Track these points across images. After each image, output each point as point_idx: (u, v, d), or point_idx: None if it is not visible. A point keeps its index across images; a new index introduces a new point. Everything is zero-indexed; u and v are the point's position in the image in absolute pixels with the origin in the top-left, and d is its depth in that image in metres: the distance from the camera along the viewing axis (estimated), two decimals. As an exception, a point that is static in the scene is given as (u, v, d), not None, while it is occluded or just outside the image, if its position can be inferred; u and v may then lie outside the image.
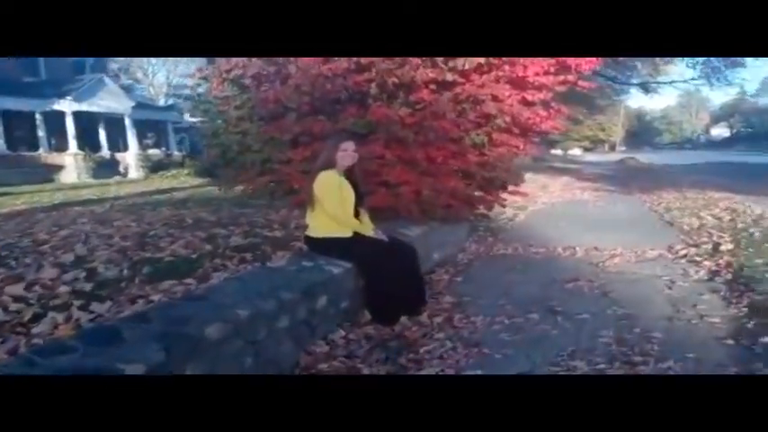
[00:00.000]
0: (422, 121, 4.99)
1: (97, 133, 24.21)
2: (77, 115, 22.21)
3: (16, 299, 2.98)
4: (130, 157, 24.34)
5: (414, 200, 5.20)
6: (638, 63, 27.44)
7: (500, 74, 5.20)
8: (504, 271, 5.40)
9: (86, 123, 23.19)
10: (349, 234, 3.99)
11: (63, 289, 3.15)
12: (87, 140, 23.10)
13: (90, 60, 28.01)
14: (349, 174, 4.09)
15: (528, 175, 18.18)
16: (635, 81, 31.65)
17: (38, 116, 21.56)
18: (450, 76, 4.91)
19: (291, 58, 5.28)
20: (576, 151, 50.59)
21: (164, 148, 28.45)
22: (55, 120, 21.95)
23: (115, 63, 35.25)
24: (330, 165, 3.96)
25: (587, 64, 5.34)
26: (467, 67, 4.90)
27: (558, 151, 44.44)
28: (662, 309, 4.08)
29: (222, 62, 5.66)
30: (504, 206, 6.40)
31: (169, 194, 11.29)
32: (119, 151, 24.87)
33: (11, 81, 21.26)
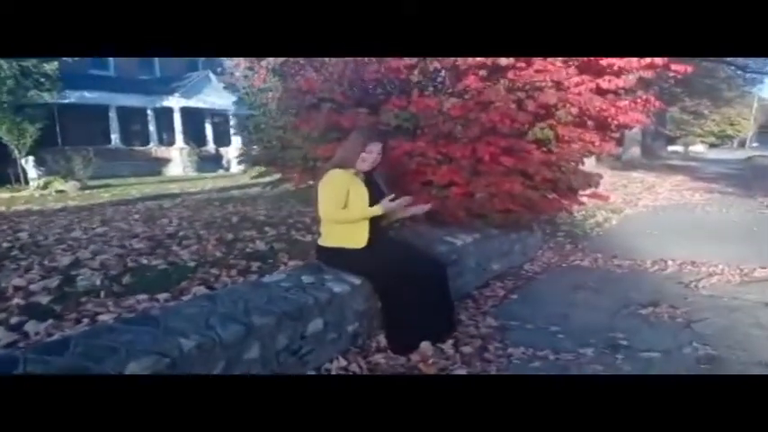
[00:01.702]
0: (468, 112, 4.26)
1: (204, 128, 25.19)
2: (185, 111, 23.18)
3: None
4: (232, 152, 25.08)
5: (461, 203, 4.49)
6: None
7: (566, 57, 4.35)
8: (572, 288, 4.54)
9: (194, 119, 24.20)
10: (361, 245, 3.37)
11: (15, 302, 2.81)
12: (194, 135, 24.09)
13: (202, 58, 29.24)
14: (367, 174, 3.47)
15: (634, 174, 16.66)
16: (771, 70, 28.15)
17: (149, 112, 22.72)
18: (504, 60, 4.14)
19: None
20: (698, 147, 46.35)
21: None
22: (165, 115, 23.05)
23: (231, 60, 36.61)
24: (346, 164, 3.35)
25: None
26: (524, 48, 4.11)
27: (678, 147, 40.86)
28: (762, 352, 3.13)
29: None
30: (570, 212, 5.50)
31: (246, 190, 11.23)
32: (224, 146, 25.72)
33: (128, 79, 22.56)
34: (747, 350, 3.14)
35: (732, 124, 49.96)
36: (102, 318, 2.70)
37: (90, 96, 19.71)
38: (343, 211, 3.27)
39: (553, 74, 4.28)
